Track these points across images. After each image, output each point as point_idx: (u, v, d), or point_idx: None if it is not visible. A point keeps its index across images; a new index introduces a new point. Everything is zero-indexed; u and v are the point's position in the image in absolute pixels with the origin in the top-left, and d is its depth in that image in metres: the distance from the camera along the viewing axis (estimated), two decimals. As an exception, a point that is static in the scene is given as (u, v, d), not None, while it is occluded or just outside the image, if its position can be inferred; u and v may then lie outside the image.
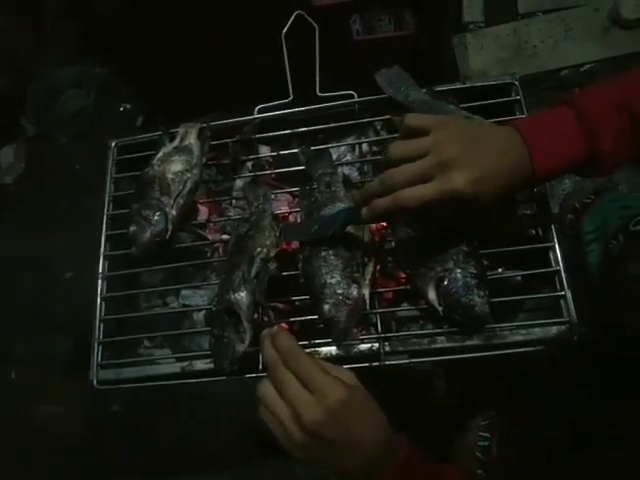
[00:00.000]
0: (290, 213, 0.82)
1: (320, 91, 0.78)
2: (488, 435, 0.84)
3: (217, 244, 0.84)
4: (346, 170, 0.83)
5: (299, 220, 0.75)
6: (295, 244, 0.80)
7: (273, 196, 0.79)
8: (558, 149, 0.55)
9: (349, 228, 0.67)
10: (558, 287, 0.66)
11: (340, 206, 0.70)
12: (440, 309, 0.63)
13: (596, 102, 0.55)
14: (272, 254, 0.68)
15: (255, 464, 1.10)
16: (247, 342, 0.62)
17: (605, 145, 0.53)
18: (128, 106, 1.62)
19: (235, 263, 0.67)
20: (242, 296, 0.63)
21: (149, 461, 1.22)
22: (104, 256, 0.79)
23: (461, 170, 0.52)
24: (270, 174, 0.81)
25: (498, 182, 0.53)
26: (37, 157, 1.67)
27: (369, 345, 0.67)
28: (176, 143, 0.78)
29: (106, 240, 0.79)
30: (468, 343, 0.65)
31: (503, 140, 0.55)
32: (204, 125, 0.79)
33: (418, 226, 0.67)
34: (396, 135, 0.72)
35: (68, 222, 1.50)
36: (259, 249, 0.67)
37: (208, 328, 0.69)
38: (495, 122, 0.65)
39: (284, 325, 0.79)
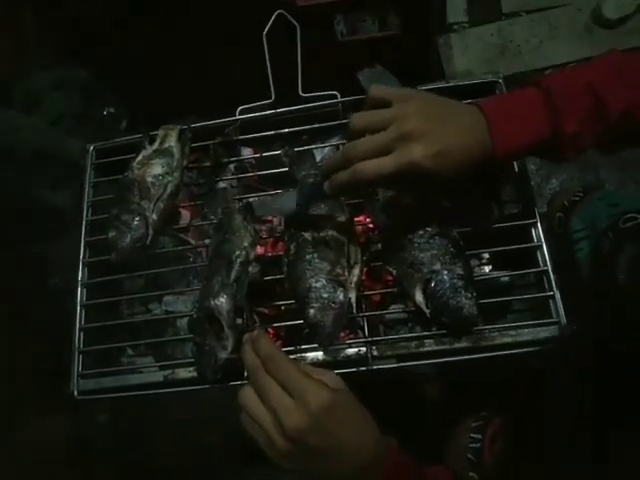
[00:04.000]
0: (274, 216, 0.81)
1: (303, 91, 0.77)
2: (479, 437, 0.83)
3: (200, 248, 0.83)
4: (331, 171, 0.82)
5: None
6: (280, 247, 0.79)
7: (256, 198, 0.77)
8: (520, 129, 0.54)
9: (335, 232, 0.65)
10: (547, 287, 0.65)
11: (324, 208, 0.68)
12: (427, 311, 0.62)
13: (562, 83, 0.54)
14: (252, 256, 0.66)
15: (244, 473, 1.09)
16: (230, 349, 0.61)
17: (568, 127, 0.53)
18: (112, 110, 1.60)
19: (214, 268, 0.65)
20: (222, 302, 0.62)
21: (136, 471, 1.20)
22: (83, 263, 0.77)
23: (421, 143, 0.51)
24: (253, 176, 0.80)
25: (457, 158, 0.53)
26: (19, 162, 1.64)
27: (356, 349, 0.66)
28: (156, 146, 0.76)
29: (85, 247, 0.78)
30: (457, 346, 0.64)
31: (466, 117, 0.55)
32: (184, 127, 0.77)
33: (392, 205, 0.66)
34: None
35: (52, 228, 1.47)
36: (237, 252, 0.66)
37: (191, 335, 0.67)
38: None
39: (270, 330, 0.77)
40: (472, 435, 0.83)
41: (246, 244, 0.68)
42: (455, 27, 1.39)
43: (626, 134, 0.54)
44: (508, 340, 0.63)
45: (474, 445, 0.81)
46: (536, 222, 0.68)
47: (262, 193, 0.79)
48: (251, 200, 0.75)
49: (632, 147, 0.58)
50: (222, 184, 0.83)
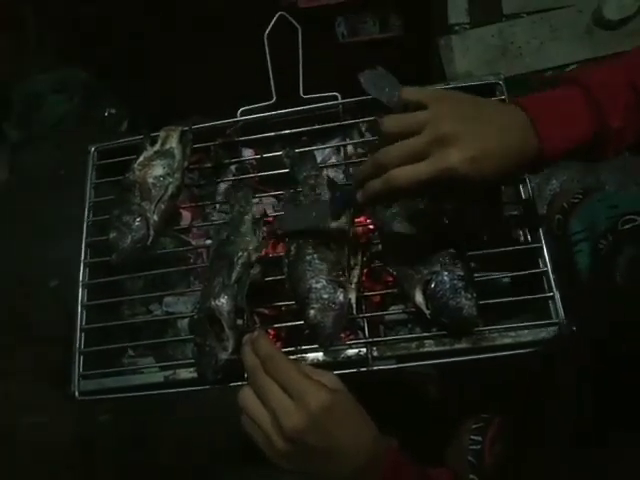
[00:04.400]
0: (275, 217, 0.81)
1: (304, 93, 0.77)
2: (480, 439, 0.82)
3: (200, 249, 0.83)
4: (331, 172, 0.82)
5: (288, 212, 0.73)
6: (280, 248, 0.79)
7: (257, 200, 0.77)
8: (566, 126, 0.52)
9: (334, 229, 0.66)
10: (546, 288, 0.65)
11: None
12: (428, 312, 0.62)
13: (602, 79, 0.53)
14: (254, 258, 0.67)
15: (244, 473, 1.09)
16: (230, 350, 0.61)
17: (614, 121, 0.51)
18: (113, 111, 1.60)
19: (216, 269, 0.65)
20: (223, 302, 0.62)
21: (138, 472, 1.19)
22: (84, 264, 0.77)
23: (458, 147, 0.48)
24: (254, 177, 0.80)
25: (498, 162, 0.50)
26: (20, 164, 1.64)
27: (356, 350, 0.66)
28: (157, 147, 0.77)
29: (86, 247, 0.78)
30: (457, 346, 0.64)
31: (506, 117, 0.52)
32: (186, 128, 0.78)
33: (416, 207, 0.64)
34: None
35: (53, 229, 1.47)
36: (240, 253, 0.66)
37: (192, 336, 0.67)
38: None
39: (270, 331, 0.77)
40: (472, 437, 0.82)
41: (250, 247, 0.68)
42: (456, 28, 1.39)
43: None
44: (508, 341, 0.63)
45: (474, 447, 0.81)
46: (536, 223, 0.68)
47: (263, 194, 0.80)
48: (277, 215, 0.74)
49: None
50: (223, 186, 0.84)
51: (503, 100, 0.73)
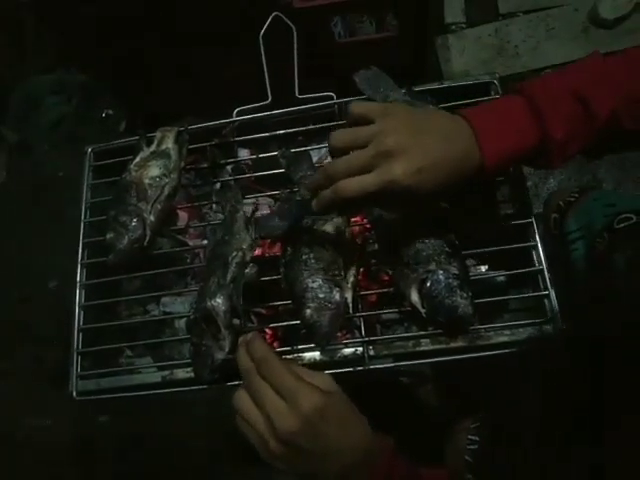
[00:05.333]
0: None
1: (299, 93, 0.77)
2: (477, 438, 0.83)
3: (197, 249, 0.83)
4: (327, 172, 0.82)
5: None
6: (277, 248, 0.79)
7: (254, 199, 0.78)
8: (507, 136, 0.52)
9: (330, 229, 0.66)
10: (542, 286, 0.65)
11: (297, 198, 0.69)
12: (423, 311, 0.63)
13: (546, 88, 0.53)
14: (248, 257, 0.67)
15: (242, 473, 1.09)
16: (227, 350, 0.61)
17: (555, 132, 0.51)
18: (110, 112, 1.60)
19: (211, 269, 0.66)
20: (219, 302, 0.62)
21: (137, 472, 1.20)
22: (82, 264, 0.77)
23: (401, 160, 0.50)
24: (250, 177, 0.80)
25: (441, 173, 0.51)
26: (19, 165, 1.64)
27: (353, 349, 0.67)
28: (153, 148, 0.77)
29: (84, 248, 0.78)
30: (453, 345, 0.64)
31: (449, 128, 0.53)
32: (182, 129, 0.78)
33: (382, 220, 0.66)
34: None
35: (51, 230, 1.48)
36: (234, 253, 0.66)
37: (189, 336, 0.67)
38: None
39: (267, 331, 0.78)
40: (470, 437, 0.82)
41: (244, 246, 0.68)
42: (453, 28, 1.40)
43: (610, 138, 0.54)
44: (504, 339, 0.64)
45: (472, 447, 0.81)
46: (531, 222, 0.68)
47: (259, 194, 0.80)
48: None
49: (616, 152, 0.58)
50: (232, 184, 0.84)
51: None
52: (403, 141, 0.50)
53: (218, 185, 0.84)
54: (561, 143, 0.52)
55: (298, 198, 0.69)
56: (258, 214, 0.78)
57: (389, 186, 0.50)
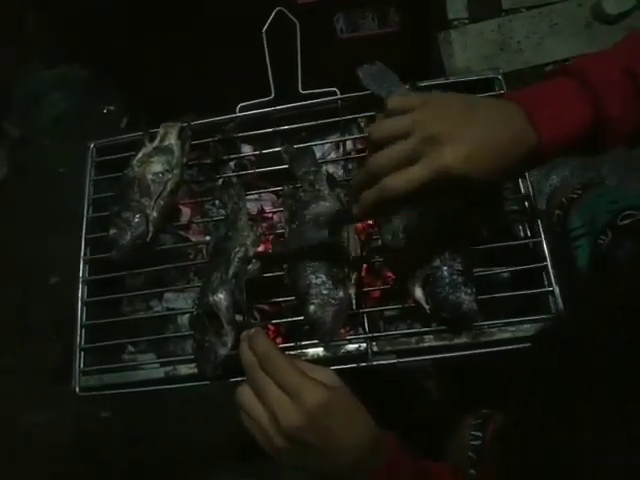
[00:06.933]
0: (274, 213, 0.81)
1: (302, 88, 0.77)
2: (480, 434, 0.83)
3: (200, 245, 0.83)
4: (331, 168, 0.82)
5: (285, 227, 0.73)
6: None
7: (257, 195, 0.77)
8: (563, 117, 0.49)
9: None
10: (546, 283, 0.65)
11: (325, 205, 0.68)
12: (427, 307, 0.62)
13: (595, 67, 0.51)
14: (251, 253, 0.67)
15: (245, 468, 1.09)
16: (229, 345, 0.61)
17: (613, 110, 0.49)
18: (112, 108, 1.60)
19: (214, 265, 0.65)
20: (221, 298, 0.62)
21: (138, 468, 1.20)
22: (84, 260, 0.77)
23: (450, 146, 0.46)
24: (253, 173, 0.80)
25: (495, 157, 0.47)
26: (20, 161, 1.64)
27: (356, 345, 0.66)
28: (156, 143, 0.76)
29: (86, 244, 0.78)
30: (456, 341, 0.64)
31: (499, 111, 0.50)
32: (184, 125, 0.77)
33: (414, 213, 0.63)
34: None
35: (53, 226, 1.48)
36: (237, 249, 0.66)
37: (192, 332, 0.67)
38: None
39: (270, 327, 0.77)
40: (472, 433, 0.82)
41: (248, 242, 0.68)
42: (455, 23, 1.39)
43: None
44: (508, 335, 0.63)
45: (475, 442, 0.81)
46: (535, 218, 0.68)
47: (262, 190, 0.80)
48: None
49: None
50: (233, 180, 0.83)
51: (502, 95, 0.73)
52: (448, 126, 0.47)
53: (221, 181, 0.84)
54: (618, 121, 0.49)
55: (326, 204, 0.66)
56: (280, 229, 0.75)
57: (439, 175, 0.46)
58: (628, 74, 0.50)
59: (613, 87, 0.49)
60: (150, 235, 0.71)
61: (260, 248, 0.71)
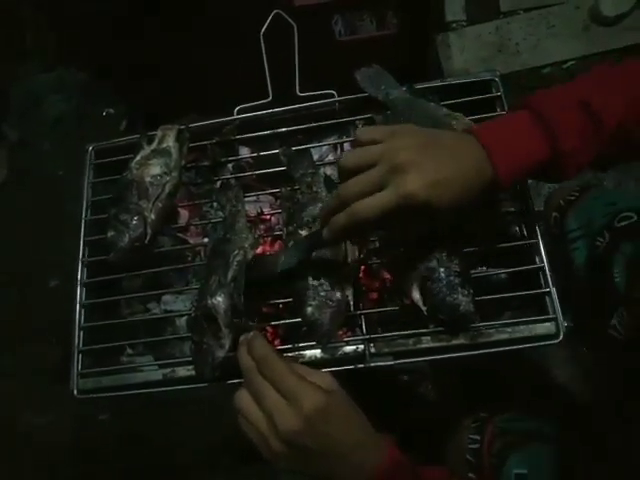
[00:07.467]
0: (272, 215, 0.81)
1: (300, 91, 0.77)
2: (478, 437, 0.83)
3: (198, 248, 0.83)
4: (329, 170, 0.82)
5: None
6: (278, 245, 0.79)
7: (255, 198, 0.77)
8: (518, 150, 0.52)
9: None
10: (543, 284, 0.65)
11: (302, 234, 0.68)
12: (424, 309, 0.63)
13: (552, 101, 0.53)
14: (250, 256, 0.67)
15: (243, 472, 1.09)
16: (227, 347, 0.61)
17: (565, 145, 0.51)
18: (111, 110, 1.60)
19: (212, 267, 0.66)
20: (219, 301, 0.62)
21: (137, 469, 1.20)
22: (82, 262, 0.77)
23: (415, 173, 0.49)
24: (251, 175, 0.80)
25: (456, 187, 0.50)
26: (19, 164, 1.64)
27: (354, 347, 0.67)
28: (154, 146, 0.77)
29: (84, 246, 0.78)
30: (454, 343, 0.64)
31: (459, 145, 0.53)
32: (182, 127, 0.78)
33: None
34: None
35: (52, 229, 1.48)
36: (236, 252, 0.66)
37: (190, 334, 0.67)
38: (475, 119, 0.64)
39: (268, 329, 0.78)
40: (471, 436, 0.82)
41: (246, 245, 0.68)
42: (453, 26, 1.40)
43: (619, 148, 0.54)
44: (505, 337, 0.63)
45: (473, 446, 0.81)
46: (533, 220, 0.68)
47: (260, 192, 0.80)
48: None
49: (626, 161, 0.58)
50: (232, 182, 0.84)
51: (499, 97, 0.73)
52: (414, 156, 0.50)
53: (219, 183, 0.84)
54: (571, 154, 0.52)
55: (304, 233, 0.67)
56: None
57: (405, 201, 0.49)
58: (584, 107, 0.51)
59: (568, 121, 0.51)
60: (148, 237, 0.71)
61: (258, 250, 0.71)
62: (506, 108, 0.72)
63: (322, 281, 0.63)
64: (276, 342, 0.78)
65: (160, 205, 0.73)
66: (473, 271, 0.65)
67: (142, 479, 1.19)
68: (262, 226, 0.80)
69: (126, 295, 0.80)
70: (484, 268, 0.72)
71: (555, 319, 0.63)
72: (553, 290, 0.64)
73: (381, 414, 0.51)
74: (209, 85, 1.05)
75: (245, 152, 0.84)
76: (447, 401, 1.00)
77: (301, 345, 0.67)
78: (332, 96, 0.77)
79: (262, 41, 0.77)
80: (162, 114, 0.83)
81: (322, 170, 0.77)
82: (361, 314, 0.68)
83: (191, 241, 0.84)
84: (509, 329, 0.64)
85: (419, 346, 0.65)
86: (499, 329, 0.64)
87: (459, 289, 0.61)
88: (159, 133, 0.78)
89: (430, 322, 0.65)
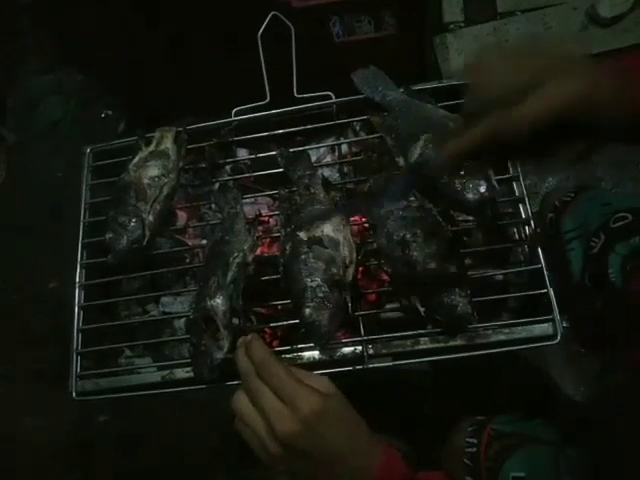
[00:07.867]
0: (271, 216, 0.81)
1: (298, 92, 0.77)
2: (475, 441, 0.82)
3: (197, 249, 0.83)
4: (326, 172, 0.82)
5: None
6: (276, 248, 0.79)
7: (253, 199, 0.77)
8: None
9: (330, 232, 0.66)
10: (540, 285, 0.65)
11: (320, 208, 0.68)
12: (422, 310, 0.63)
13: None
14: (249, 258, 0.67)
15: (245, 471, 1.09)
16: (225, 349, 0.61)
17: None
18: (110, 112, 1.60)
19: (211, 269, 0.66)
20: (218, 302, 0.62)
21: (137, 471, 1.20)
22: (81, 265, 0.77)
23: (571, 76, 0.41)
24: (249, 177, 0.80)
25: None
26: (18, 166, 1.64)
27: (352, 348, 0.67)
28: (152, 148, 0.77)
29: (83, 248, 0.78)
30: (451, 344, 0.64)
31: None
32: (180, 129, 0.78)
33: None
34: (375, 135, 0.71)
35: (51, 231, 1.48)
36: (235, 254, 0.66)
37: (188, 336, 0.67)
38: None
39: (267, 330, 0.78)
40: (468, 439, 0.82)
41: (245, 247, 0.68)
42: (451, 27, 1.39)
43: None
44: (502, 337, 0.64)
45: (470, 449, 0.81)
46: (529, 220, 0.68)
47: (258, 194, 0.80)
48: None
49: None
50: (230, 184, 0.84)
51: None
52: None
53: (217, 185, 0.84)
54: None
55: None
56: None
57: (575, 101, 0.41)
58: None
59: None
60: (146, 239, 0.71)
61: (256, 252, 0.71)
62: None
63: (320, 282, 0.63)
64: (274, 343, 0.78)
65: (158, 207, 0.73)
66: (470, 272, 0.65)
67: (141, 480, 1.18)
68: (260, 227, 0.81)
69: (124, 297, 0.80)
70: (481, 269, 0.72)
71: (553, 320, 0.63)
72: (551, 291, 0.64)
73: (378, 415, 0.51)
74: (207, 87, 1.05)
75: (243, 154, 0.84)
76: (445, 401, 1.00)
77: (299, 346, 0.67)
78: (329, 98, 0.78)
79: (259, 43, 0.77)
80: (160, 116, 0.83)
81: (320, 171, 0.77)
82: (359, 315, 0.68)
83: (189, 243, 0.84)
84: (506, 330, 0.64)
85: (417, 347, 0.65)
86: (497, 330, 0.64)
87: (456, 290, 0.61)
88: (157, 135, 0.78)
89: (428, 323, 0.65)
